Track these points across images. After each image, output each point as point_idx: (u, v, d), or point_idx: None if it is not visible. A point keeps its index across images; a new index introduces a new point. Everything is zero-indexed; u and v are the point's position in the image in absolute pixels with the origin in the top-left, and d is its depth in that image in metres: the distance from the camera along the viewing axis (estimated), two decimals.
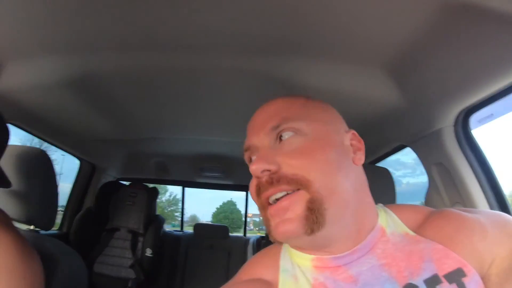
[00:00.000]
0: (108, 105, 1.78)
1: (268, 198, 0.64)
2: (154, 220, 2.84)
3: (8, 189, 1.22)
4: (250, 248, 2.99)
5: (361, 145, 0.72)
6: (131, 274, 2.58)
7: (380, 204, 0.76)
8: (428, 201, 1.57)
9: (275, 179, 0.62)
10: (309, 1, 0.92)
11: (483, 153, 1.34)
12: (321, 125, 0.68)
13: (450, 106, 1.26)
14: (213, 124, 2.03)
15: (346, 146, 0.70)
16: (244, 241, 3.34)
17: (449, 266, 0.60)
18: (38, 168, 1.28)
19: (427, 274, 0.59)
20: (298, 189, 0.61)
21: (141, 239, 2.73)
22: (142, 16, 1.03)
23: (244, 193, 3.84)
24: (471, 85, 1.12)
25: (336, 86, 1.33)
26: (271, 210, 0.63)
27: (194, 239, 3.31)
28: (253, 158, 0.70)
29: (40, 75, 1.40)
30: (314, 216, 0.60)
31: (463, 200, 1.35)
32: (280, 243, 0.67)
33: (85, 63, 1.33)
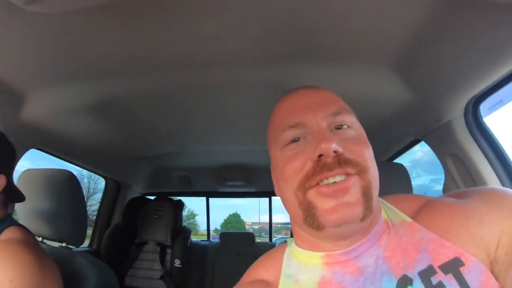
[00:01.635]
0: (131, 125, 1.84)
1: (320, 180, 0.61)
2: (181, 232, 2.91)
3: (40, 209, 1.30)
4: None
5: None
6: (161, 285, 2.65)
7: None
8: (445, 192, 1.54)
9: (342, 160, 0.60)
10: (312, 9, 0.95)
11: (496, 141, 1.32)
12: (360, 125, 0.70)
13: (458, 96, 1.26)
14: (233, 134, 2.07)
15: None
16: (270, 246, 3.33)
17: (445, 256, 0.58)
18: (67, 189, 1.36)
19: (422, 266, 0.59)
20: (356, 174, 0.61)
21: (169, 250, 2.80)
22: (155, 37, 1.07)
23: (267, 199, 3.85)
24: (476, 73, 1.12)
25: (346, 88, 1.34)
26: (327, 190, 0.60)
27: (221, 247, 3.33)
28: (306, 137, 0.66)
29: (62, 102, 1.46)
30: (368, 203, 0.60)
31: None
32: (320, 230, 0.62)
33: (105, 87, 1.39)
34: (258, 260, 0.78)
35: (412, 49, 1.11)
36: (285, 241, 0.80)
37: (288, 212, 0.71)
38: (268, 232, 3.97)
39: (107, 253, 2.54)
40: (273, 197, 3.82)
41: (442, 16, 0.94)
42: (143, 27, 1.02)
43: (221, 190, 3.51)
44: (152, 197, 3.07)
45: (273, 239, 3.96)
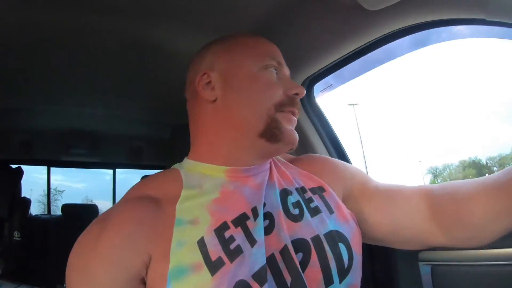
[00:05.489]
0: None
1: (290, 110, 0.80)
2: (20, 203, 2.69)
3: None
4: None
5: None
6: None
7: None
8: None
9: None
10: None
11: (325, 116, 1.60)
12: None
13: (296, 74, 1.45)
14: (84, 94, 1.96)
15: None
16: None
17: (313, 183, 0.84)
18: None
19: (297, 185, 0.82)
20: None
21: (7, 224, 2.56)
22: None
23: (111, 171, 3.79)
24: (312, 56, 1.34)
25: None
26: (290, 117, 0.80)
27: (63, 221, 3.13)
28: (279, 74, 0.83)
29: None
30: None
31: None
32: (277, 142, 0.77)
33: None
34: (137, 184, 0.82)
35: (267, 26, 1.24)
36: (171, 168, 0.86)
37: (235, 121, 0.79)
38: None
39: None
40: (117, 170, 3.75)
41: (286, 7, 1.13)
42: None
43: (64, 159, 3.30)
44: None
45: None
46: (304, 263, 0.68)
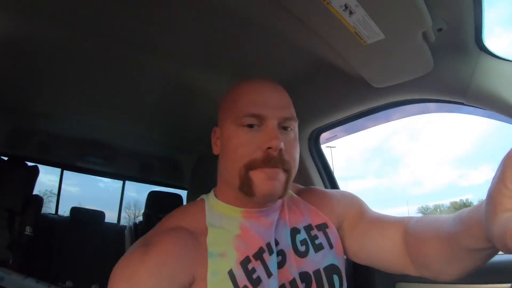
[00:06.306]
0: None
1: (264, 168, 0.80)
2: (33, 200, 2.71)
3: None
4: (127, 234, 2.88)
5: None
6: (8, 255, 2.39)
7: None
8: None
9: (282, 159, 0.80)
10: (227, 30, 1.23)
11: (326, 160, 1.92)
12: (297, 128, 0.91)
13: (307, 125, 1.75)
14: (111, 109, 2.10)
15: None
16: (119, 228, 3.36)
17: (318, 220, 0.93)
18: None
19: (305, 223, 0.92)
20: (284, 169, 0.81)
21: (18, 218, 2.56)
22: None
23: (121, 182, 3.91)
24: (322, 112, 1.63)
25: None
26: (267, 170, 0.79)
27: (70, 223, 3.21)
28: (260, 126, 0.82)
29: None
30: (286, 187, 0.83)
31: None
32: (251, 196, 0.81)
33: None
34: (170, 215, 0.90)
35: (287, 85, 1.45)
36: (199, 199, 0.95)
37: (223, 174, 0.89)
38: None
39: None
40: (127, 181, 3.86)
41: (307, 72, 1.41)
42: None
43: (78, 164, 3.36)
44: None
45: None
46: None
